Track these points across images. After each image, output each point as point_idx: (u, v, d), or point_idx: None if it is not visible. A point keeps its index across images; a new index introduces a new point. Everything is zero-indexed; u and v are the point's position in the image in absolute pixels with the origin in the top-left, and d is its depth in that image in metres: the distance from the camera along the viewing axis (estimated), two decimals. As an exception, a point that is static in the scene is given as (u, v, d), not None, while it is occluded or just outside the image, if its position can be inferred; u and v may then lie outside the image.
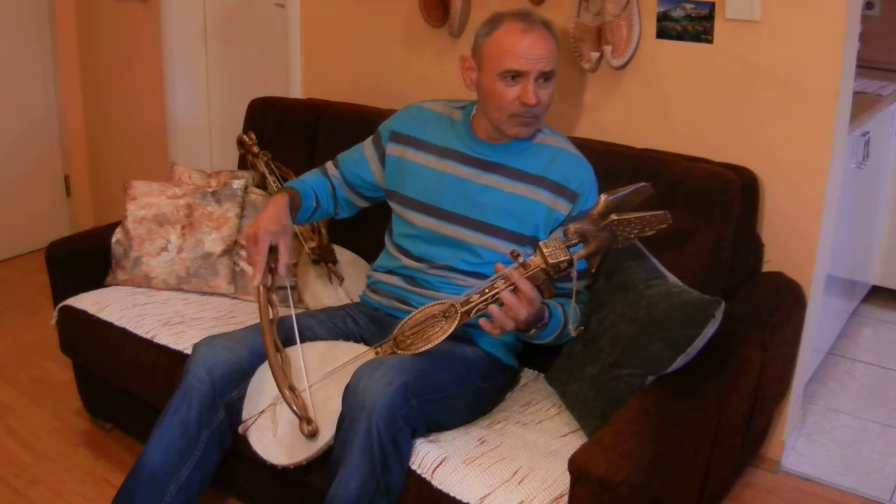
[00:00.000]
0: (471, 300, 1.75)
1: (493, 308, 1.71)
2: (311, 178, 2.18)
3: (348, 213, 2.24)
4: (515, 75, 1.85)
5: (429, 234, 2.01)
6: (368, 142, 2.16)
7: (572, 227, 1.72)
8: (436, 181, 2.01)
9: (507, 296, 1.70)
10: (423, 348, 1.77)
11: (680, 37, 2.19)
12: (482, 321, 1.73)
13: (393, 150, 2.09)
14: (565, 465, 1.52)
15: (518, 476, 1.66)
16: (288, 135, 2.71)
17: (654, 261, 1.92)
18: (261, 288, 1.90)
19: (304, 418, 1.73)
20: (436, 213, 2.00)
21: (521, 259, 1.70)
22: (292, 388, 1.78)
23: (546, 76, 1.87)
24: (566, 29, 2.31)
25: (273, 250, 1.92)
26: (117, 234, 2.42)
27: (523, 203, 1.94)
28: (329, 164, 2.21)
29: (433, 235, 2.00)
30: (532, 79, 1.84)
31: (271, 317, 1.90)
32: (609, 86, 2.34)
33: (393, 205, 2.10)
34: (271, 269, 1.93)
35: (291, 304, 1.94)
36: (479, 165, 1.98)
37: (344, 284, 2.35)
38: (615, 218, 1.68)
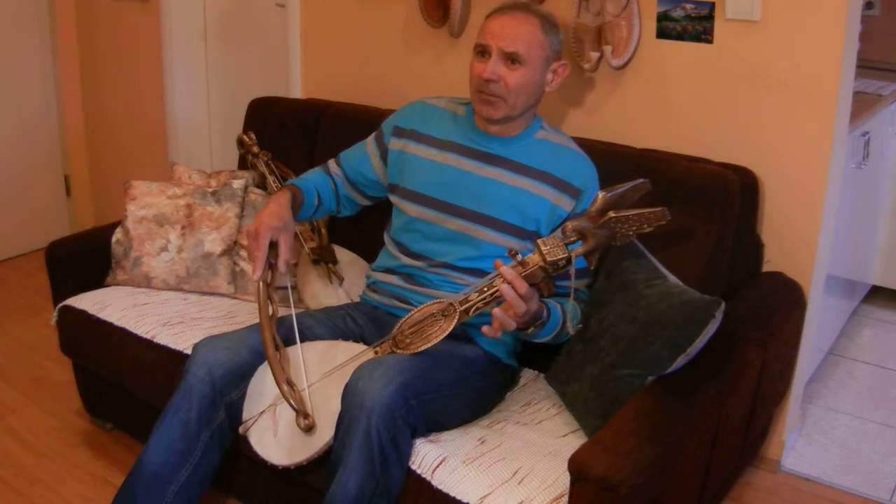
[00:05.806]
0: (469, 299, 1.75)
1: (496, 309, 1.71)
2: (313, 176, 2.19)
3: (350, 211, 2.25)
4: (483, 51, 1.91)
5: (428, 228, 2.01)
6: (371, 139, 2.17)
7: (570, 224, 1.72)
8: (437, 173, 2.01)
9: (506, 289, 1.68)
10: (423, 347, 1.77)
11: (680, 37, 2.19)
12: (485, 328, 1.72)
13: (395, 144, 2.10)
14: (565, 465, 1.52)
15: (518, 476, 1.66)
16: (288, 135, 2.71)
17: (654, 261, 1.92)
18: (260, 284, 1.90)
19: (301, 412, 1.74)
20: (436, 205, 2.00)
21: (519, 257, 1.70)
22: (290, 384, 1.79)
23: (510, 58, 1.89)
24: (566, 29, 2.31)
25: (273, 246, 1.92)
26: (117, 234, 2.42)
27: (525, 197, 1.94)
28: (331, 162, 2.22)
29: (433, 229, 2.00)
30: (494, 55, 1.89)
31: (270, 313, 1.90)
32: (609, 86, 2.34)
33: (394, 199, 2.10)
34: (271, 266, 1.93)
35: (292, 304, 1.94)
36: (481, 158, 1.99)
37: (344, 284, 2.35)
38: (613, 215, 1.68)
